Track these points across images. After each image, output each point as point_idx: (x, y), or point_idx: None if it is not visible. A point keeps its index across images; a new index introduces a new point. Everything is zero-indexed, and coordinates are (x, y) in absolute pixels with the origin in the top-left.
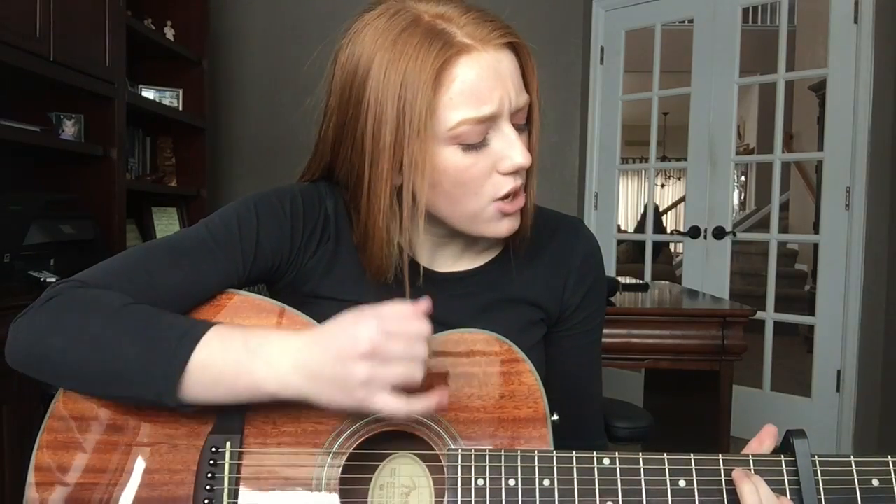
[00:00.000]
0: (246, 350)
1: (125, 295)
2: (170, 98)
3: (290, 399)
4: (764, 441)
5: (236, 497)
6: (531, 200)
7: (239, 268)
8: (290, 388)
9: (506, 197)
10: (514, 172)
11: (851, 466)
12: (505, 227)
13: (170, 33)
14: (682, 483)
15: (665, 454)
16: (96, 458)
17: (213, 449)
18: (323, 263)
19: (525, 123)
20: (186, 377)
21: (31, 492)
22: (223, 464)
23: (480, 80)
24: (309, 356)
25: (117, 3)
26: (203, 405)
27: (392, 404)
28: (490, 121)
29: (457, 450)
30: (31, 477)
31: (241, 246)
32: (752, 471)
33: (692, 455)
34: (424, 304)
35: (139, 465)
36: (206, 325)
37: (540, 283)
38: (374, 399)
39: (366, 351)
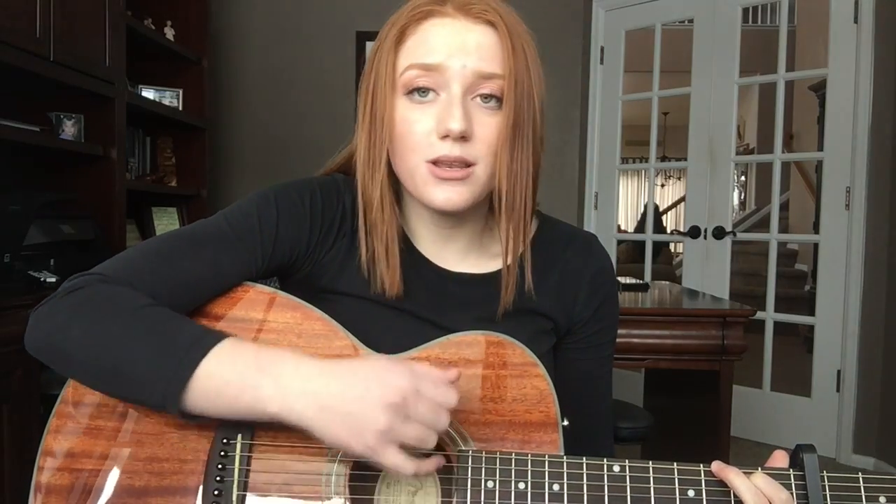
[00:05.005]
0: (256, 365)
1: (145, 295)
2: (170, 98)
3: (291, 424)
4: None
5: (246, 489)
6: (505, 185)
7: (257, 261)
8: (294, 412)
9: (438, 162)
10: (447, 137)
11: (859, 483)
12: (440, 196)
13: (170, 33)
14: (690, 493)
15: (675, 464)
16: (105, 445)
17: (224, 440)
18: (338, 259)
19: (496, 100)
20: (191, 386)
21: (39, 476)
22: (234, 455)
23: (436, 36)
24: (325, 387)
25: (117, 3)
26: (206, 416)
27: (400, 462)
28: (436, 72)
29: (468, 451)
30: (40, 462)
31: (260, 240)
32: None
33: (702, 465)
34: (454, 372)
35: (148, 452)
36: (220, 336)
37: (551, 295)
38: (385, 451)
39: (394, 402)
